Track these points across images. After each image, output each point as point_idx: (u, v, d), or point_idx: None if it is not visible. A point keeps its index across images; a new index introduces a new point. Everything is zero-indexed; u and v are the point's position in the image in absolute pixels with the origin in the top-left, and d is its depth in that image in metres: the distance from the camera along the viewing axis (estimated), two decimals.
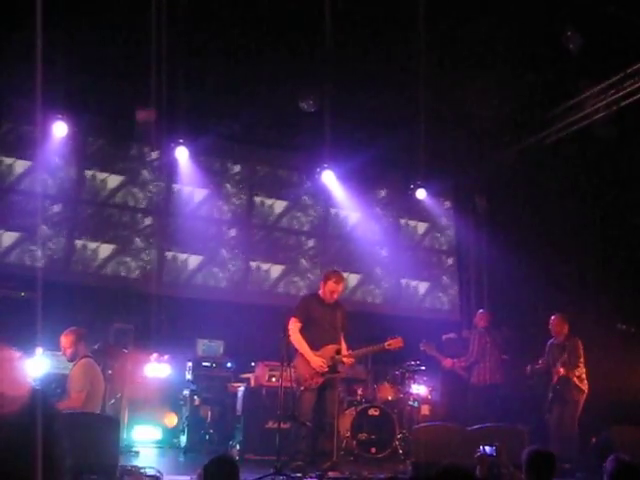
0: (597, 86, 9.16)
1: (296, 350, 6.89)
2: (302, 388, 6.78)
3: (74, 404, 6.27)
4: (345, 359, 6.97)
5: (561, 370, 8.01)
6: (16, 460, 1.95)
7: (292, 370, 6.79)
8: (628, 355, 9.15)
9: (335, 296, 7.08)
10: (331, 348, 6.89)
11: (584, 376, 8.12)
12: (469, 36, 8.31)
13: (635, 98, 8.77)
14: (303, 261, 11.36)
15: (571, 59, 8.19)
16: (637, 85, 8.69)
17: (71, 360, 6.64)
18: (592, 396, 8.19)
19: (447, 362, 9.23)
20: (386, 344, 7.17)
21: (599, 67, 8.71)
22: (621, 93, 8.90)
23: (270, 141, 11.23)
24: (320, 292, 7.18)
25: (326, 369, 6.77)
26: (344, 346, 7.07)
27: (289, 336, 6.83)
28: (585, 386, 8.11)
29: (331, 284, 7.05)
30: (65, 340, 6.60)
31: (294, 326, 6.90)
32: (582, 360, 8.18)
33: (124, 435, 8.51)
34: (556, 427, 8.04)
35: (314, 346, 6.86)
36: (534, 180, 10.86)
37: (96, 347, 7.71)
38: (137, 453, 7.89)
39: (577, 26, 7.96)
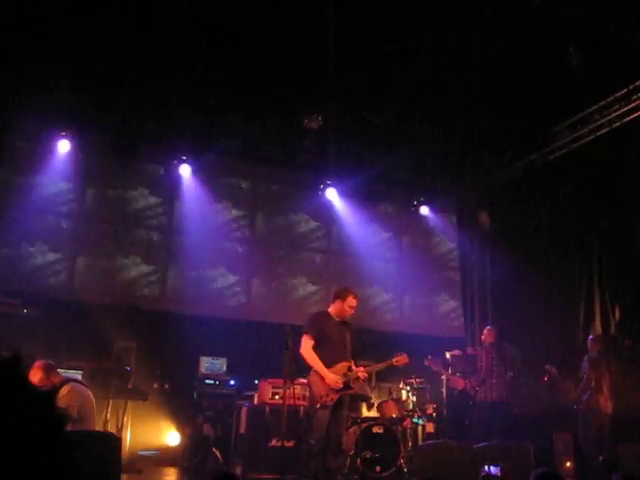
0: (601, 102, 9.15)
1: (310, 367, 6.78)
2: (317, 406, 6.62)
3: None
4: (360, 374, 6.90)
5: None
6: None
7: (308, 387, 6.73)
8: (634, 372, 9.07)
9: (353, 312, 7.03)
10: (343, 365, 6.80)
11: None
12: (472, 51, 8.32)
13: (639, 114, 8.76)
14: (307, 278, 11.33)
15: (575, 75, 8.19)
16: None
17: None
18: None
19: (459, 383, 9.07)
20: (393, 360, 7.13)
21: (603, 83, 8.71)
22: (625, 109, 8.89)
23: (274, 158, 11.23)
24: (330, 309, 7.09)
25: (341, 385, 6.70)
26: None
27: (301, 353, 6.75)
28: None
29: (351, 299, 6.97)
30: (36, 379, 6.05)
31: (307, 343, 6.76)
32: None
33: (127, 453, 8.47)
34: None
35: (327, 363, 6.74)
36: (538, 196, 10.82)
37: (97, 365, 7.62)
38: (140, 471, 7.84)
39: (580, 42, 7.97)
